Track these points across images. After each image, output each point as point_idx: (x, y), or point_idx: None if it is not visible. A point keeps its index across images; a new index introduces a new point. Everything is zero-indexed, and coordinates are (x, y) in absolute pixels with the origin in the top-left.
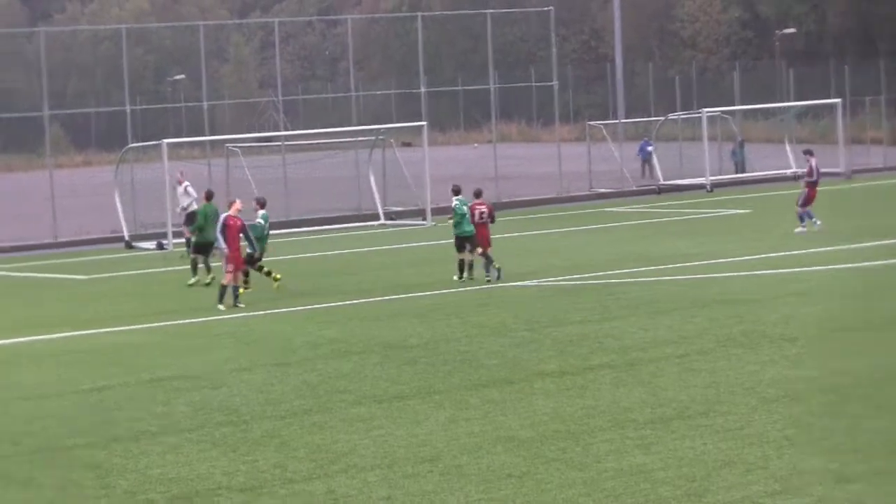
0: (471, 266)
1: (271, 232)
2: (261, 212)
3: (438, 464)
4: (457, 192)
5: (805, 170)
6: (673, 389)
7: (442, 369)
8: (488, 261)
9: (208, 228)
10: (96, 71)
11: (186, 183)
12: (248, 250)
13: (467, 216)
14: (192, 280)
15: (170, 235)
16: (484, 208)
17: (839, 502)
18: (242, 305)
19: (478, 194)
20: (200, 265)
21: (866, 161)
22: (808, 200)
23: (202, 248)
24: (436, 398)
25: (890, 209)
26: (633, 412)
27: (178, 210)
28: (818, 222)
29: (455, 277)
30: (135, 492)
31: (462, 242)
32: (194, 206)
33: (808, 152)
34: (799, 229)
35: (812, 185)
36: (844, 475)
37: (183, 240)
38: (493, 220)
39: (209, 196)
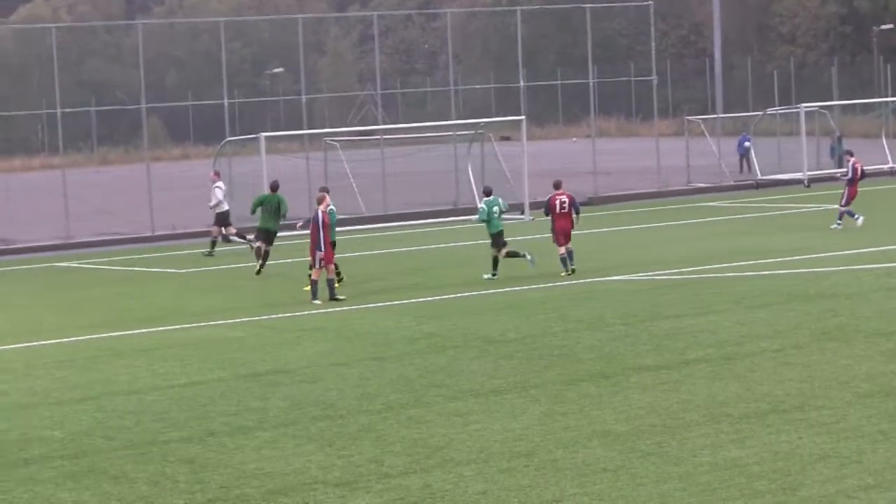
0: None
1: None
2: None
3: (534, 458)
4: (488, 192)
5: (845, 169)
6: (768, 384)
7: (538, 363)
8: (569, 255)
9: (270, 217)
10: (194, 64)
11: (220, 183)
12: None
13: (495, 214)
14: (258, 267)
15: None
16: (565, 198)
17: None
18: (343, 298)
19: (557, 185)
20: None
21: None
22: (849, 199)
23: (266, 236)
24: (532, 392)
25: None
26: (728, 406)
27: (210, 207)
28: (860, 219)
29: (486, 276)
30: (229, 486)
31: (495, 240)
32: (224, 206)
33: (849, 153)
34: (834, 225)
35: (852, 184)
36: None
37: (209, 238)
38: (577, 211)
39: (274, 188)
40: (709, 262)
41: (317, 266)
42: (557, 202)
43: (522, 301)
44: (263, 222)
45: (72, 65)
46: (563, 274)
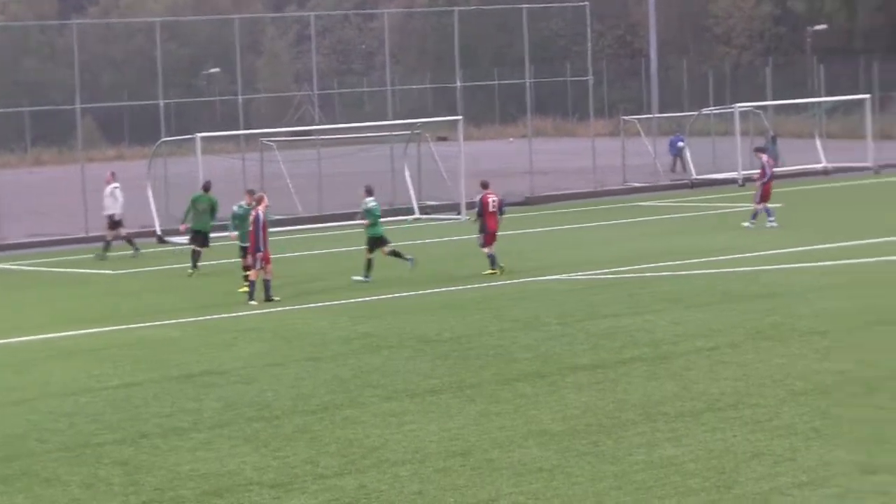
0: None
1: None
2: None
3: (470, 458)
4: (370, 192)
5: (759, 170)
6: (703, 382)
7: (474, 363)
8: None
9: (203, 218)
10: (130, 64)
11: (115, 184)
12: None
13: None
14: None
15: None
16: (495, 197)
17: (865, 494)
18: (278, 299)
19: (486, 185)
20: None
21: (894, 156)
22: (764, 197)
23: (199, 237)
24: (467, 392)
25: None
26: (663, 405)
27: (103, 213)
28: (773, 223)
29: (360, 278)
30: (163, 488)
31: (376, 243)
32: (117, 212)
33: (760, 149)
34: (747, 223)
35: (765, 181)
36: (871, 466)
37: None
38: (502, 213)
39: (207, 188)
40: (644, 261)
41: (256, 266)
42: (490, 201)
43: (457, 301)
44: (196, 223)
45: (5, 65)
46: (490, 273)
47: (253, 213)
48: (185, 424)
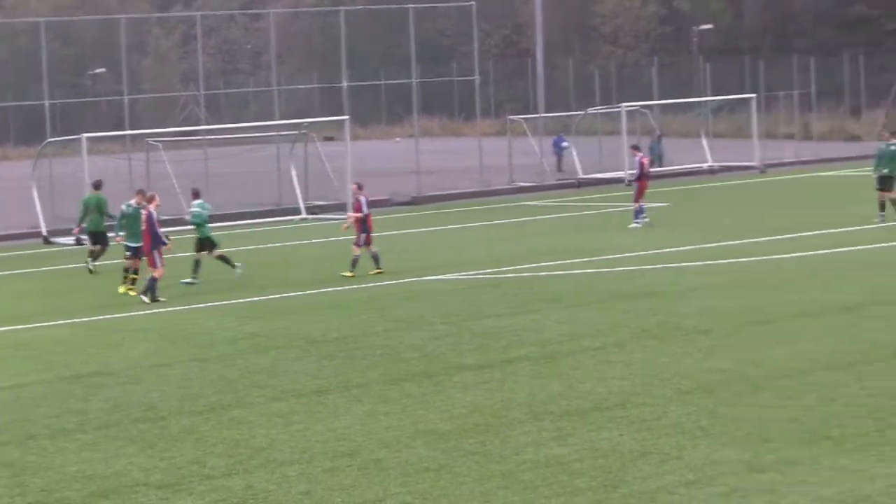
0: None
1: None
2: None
3: (357, 458)
4: (197, 195)
5: (636, 169)
6: (590, 381)
7: (361, 363)
8: (373, 257)
9: (94, 217)
10: (14, 64)
11: None
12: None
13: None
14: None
15: None
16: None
17: (751, 492)
18: (164, 299)
19: (361, 186)
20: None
21: (779, 155)
22: (640, 194)
23: (93, 236)
24: (354, 392)
25: (799, 203)
26: (550, 404)
27: None
28: (646, 218)
29: (189, 280)
30: (50, 490)
31: (203, 245)
32: None
33: (635, 147)
34: (632, 224)
35: (640, 179)
36: (756, 465)
37: None
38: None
39: (96, 186)
40: (529, 261)
41: (158, 264)
42: (364, 200)
43: (344, 301)
44: (89, 223)
45: None
46: (347, 275)
47: (145, 212)
48: (72, 425)
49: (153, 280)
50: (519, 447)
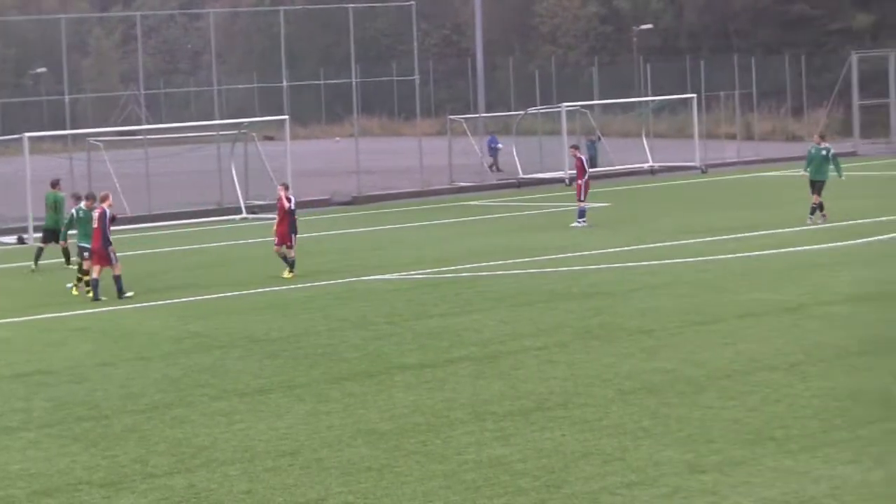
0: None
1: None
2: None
3: (299, 457)
4: (79, 198)
5: (574, 170)
6: (532, 382)
7: (303, 363)
8: (289, 259)
9: (50, 215)
10: None
11: None
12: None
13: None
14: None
15: (30, 229)
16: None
17: (693, 492)
18: (104, 298)
19: (287, 186)
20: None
21: (720, 155)
22: (584, 193)
23: (47, 234)
24: (297, 392)
25: (741, 203)
26: (492, 404)
27: None
28: (586, 223)
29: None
30: None
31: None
32: None
33: (574, 147)
34: (575, 224)
35: (579, 178)
36: (698, 465)
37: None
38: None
39: (53, 184)
40: (470, 260)
41: (114, 260)
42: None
43: (286, 300)
44: (45, 220)
45: None
46: (287, 276)
47: (98, 210)
48: (14, 424)
49: (117, 277)
50: (461, 447)
